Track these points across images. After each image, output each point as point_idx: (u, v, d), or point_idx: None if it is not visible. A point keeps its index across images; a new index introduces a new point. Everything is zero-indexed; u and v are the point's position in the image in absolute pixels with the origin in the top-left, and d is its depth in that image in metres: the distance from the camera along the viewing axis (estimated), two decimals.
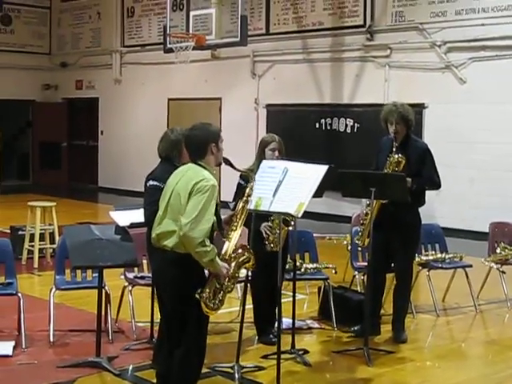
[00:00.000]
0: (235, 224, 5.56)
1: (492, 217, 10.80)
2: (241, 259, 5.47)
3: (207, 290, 5.20)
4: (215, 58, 18.43)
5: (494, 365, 7.18)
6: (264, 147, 7.27)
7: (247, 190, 5.74)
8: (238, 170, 5.81)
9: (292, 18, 17.29)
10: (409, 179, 7.23)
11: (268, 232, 7.10)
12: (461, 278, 8.96)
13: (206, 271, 5.32)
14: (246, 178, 6.08)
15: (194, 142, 5.43)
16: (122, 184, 20.74)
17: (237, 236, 5.52)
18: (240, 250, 5.48)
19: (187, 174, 5.31)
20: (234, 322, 7.97)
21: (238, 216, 5.61)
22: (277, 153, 7.20)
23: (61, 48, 23.37)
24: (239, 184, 6.82)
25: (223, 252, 5.37)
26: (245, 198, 5.70)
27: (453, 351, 7.52)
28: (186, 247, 5.09)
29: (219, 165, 5.54)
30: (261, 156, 7.18)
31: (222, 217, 5.63)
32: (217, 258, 5.17)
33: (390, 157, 7.39)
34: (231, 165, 5.65)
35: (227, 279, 5.29)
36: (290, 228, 7.15)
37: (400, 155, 7.37)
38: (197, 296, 5.13)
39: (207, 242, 5.07)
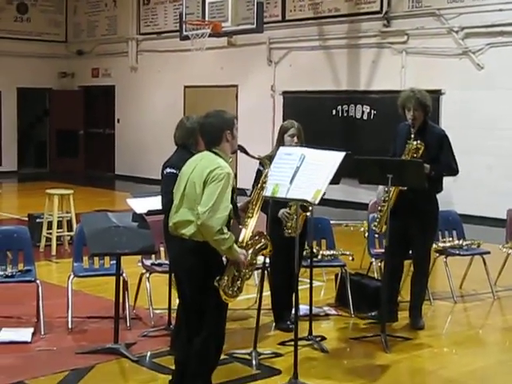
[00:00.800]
0: (251, 211, 5.56)
1: (510, 203, 10.76)
2: (258, 246, 5.47)
3: (225, 278, 5.21)
4: (231, 45, 18.40)
5: (511, 351, 7.17)
6: (283, 133, 7.27)
7: (262, 177, 5.74)
8: (253, 157, 5.80)
9: (308, 4, 17.22)
10: (427, 165, 7.20)
11: (286, 218, 7.10)
12: (478, 265, 8.94)
13: (224, 259, 5.33)
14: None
15: (208, 129, 5.42)
16: (138, 172, 20.79)
17: (253, 223, 5.52)
18: (257, 237, 5.48)
19: (202, 162, 5.31)
20: (251, 309, 7.99)
21: (254, 203, 5.61)
22: (295, 139, 7.19)
23: (77, 36, 23.40)
24: (258, 170, 6.81)
25: (240, 239, 5.37)
26: (260, 185, 5.70)
27: (470, 338, 7.51)
28: (204, 236, 5.10)
29: (234, 152, 5.53)
30: (280, 142, 7.18)
31: (238, 204, 5.64)
32: (235, 246, 5.18)
33: (409, 143, 7.37)
34: (246, 152, 5.65)
35: (245, 266, 5.30)
36: (308, 214, 7.14)
37: (419, 141, 7.34)
38: (215, 284, 5.14)
39: (225, 230, 5.07)
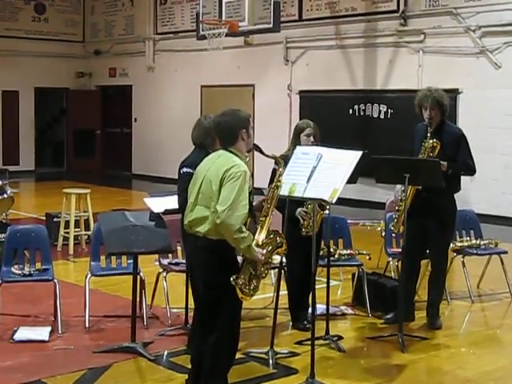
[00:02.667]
0: (266, 210, 5.55)
1: None
2: (273, 245, 5.47)
3: (242, 276, 5.21)
4: (248, 45, 18.41)
5: None
6: (299, 133, 7.27)
7: (277, 176, 5.74)
8: (268, 156, 5.80)
9: (325, 3, 17.20)
10: (444, 163, 7.18)
11: (303, 217, 7.10)
12: (496, 265, 8.91)
13: (239, 257, 5.34)
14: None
15: (224, 128, 5.42)
16: (155, 171, 20.83)
17: (269, 222, 5.52)
18: (272, 236, 5.48)
19: (218, 160, 5.31)
20: (268, 308, 7.99)
21: (269, 202, 5.60)
22: (312, 138, 7.19)
23: (94, 36, 23.49)
24: (274, 169, 6.80)
25: (256, 238, 5.37)
26: (275, 184, 5.70)
27: (488, 338, 7.49)
28: (224, 234, 5.10)
29: (250, 151, 5.53)
30: (296, 142, 7.17)
31: (253, 203, 5.64)
32: (253, 244, 5.18)
33: (425, 142, 7.35)
34: (261, 151, 5.65)
35: (261, 265, 5.30)
36: (326, 212, 7.13)
37: (435, 140, 7.32)
38: (232, 282, 5.15)
39: (244, 229, 5.08)
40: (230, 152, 5.33)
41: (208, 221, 5.18)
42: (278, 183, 5.70)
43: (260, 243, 5.37)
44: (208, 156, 5.56)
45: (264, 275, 5.39)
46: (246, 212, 5.10)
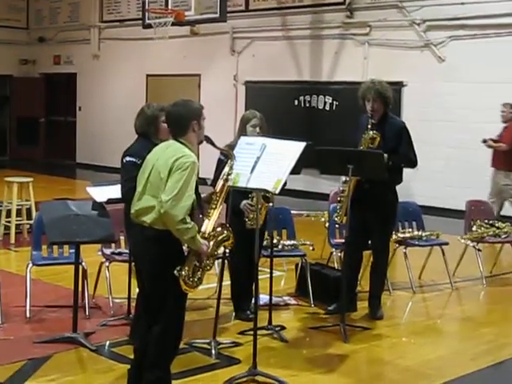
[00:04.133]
0: (215, 202, 5.53)
1: (469, 195, 10.88)
2: (220, 238, 5.45)
3: (186, 268, 5.18)
4: (194, 34, 18.31)
5: (469, 341, 7.24)
6: (245, 124, 7.26)
7: (227, 169, 5.72)
8: (219, 149, 5.79)
9: None
10: (385, 155, 7.24)
11: (248, 210, 7.10)
12: (437, 256, 9.03)
13: (185, 248, 5.31)
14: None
15: (175, 118, 5.37)
16: (100, 160, 20.67)
17: (217, 214, 5.50)
18: (219, 229, 5.46)
19: (167, 150, 5.27)
20: (211, 299, 7.97)
21: (219, 194, 5.58)
22: (258, 129, 7.19)
23: (38, 23, 23.17)
24: (219, 160, 6.79)
25: (202, 230, 5.35)
26: (225, 177, 5.68)
27: (428, 327, 7.58)
28: (167, 224, 5.07)
29: (201, 143, 5.49)
30: (242, 133, 7.15)
31: (202, 195, 5.62)
32: (198, 236, 5.15)
33: (365, 133, 7.40)
34: (212, 143, 5.62)
35: (206, 257, 5.29)
36: (271, 204, 7.14)
37: (375, 131, 7.37)
38: (176, 273, 5.12)
39: (188, 219, 5.04)
40: (181, 143, 5.29)
41: (154, 210, 5.14)
42: (229, 176, 5.68)
43: (207, 236, 5.35)
44: (152, 146, 5.52)
45: (209, 267, 5.36)
46: (190, 203, 5.06)
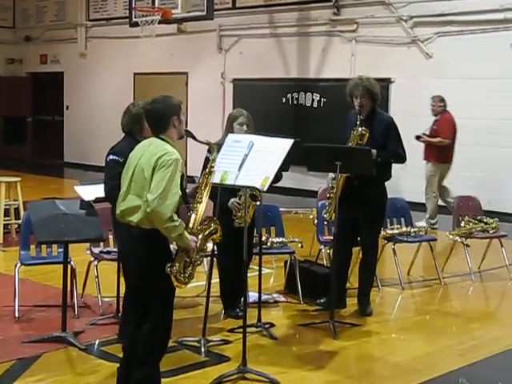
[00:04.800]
0: (200, 196, 5.54)
1: (457, 191, 10.91)
2: (208, 231, 5.47)
3: (177, 264, 5.18)
4: (181, 32, 18.30)
5: (458, 336, 7.26)
6: (232, 122, 7.26)
7: (210, 162, 5.73)
8: (200, 142, 5.78)
9: None
10: (374, 151, 7.25)
11: (236, 208, 7.09)
12: (426, 252, 9.06)
13: (172, 246, 5.31)
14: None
15: (155, 115, 5.36)
16: (88, 159, 20.60)
17: (203, 208, 5.50)
18: (206, 222, 5.47)
19: (149, 148, 5.26)
20: (200, 296, 7.98)
21: (203, 188, 5.60)
22: (245, 127, 7.19)
23: (25, 22, 23.09)
24: (207, 158, 6.78)
25: (190, 225, 5.36)
26: (208, 170, 5.69)
27: (417, 323, 7.60)
28: (155, 223, 5.06)
29: (181, 138, 5.49)
30: (229, 131, 7.15)
31: (187, 190, 5.61)
32: (185, 233, 5.15)
33: (354, 130, 7.41)
34: (193, 137, 5.63)
35: (195, 252, 5.29)
36: (258, 203, 7.14)
37: (363, 128, 7.38)
38: (167, 270, 5.12)
39: (175, 217, 5.04)
40: (162, 139, 5.28)
41: (140, 210, 5.12)
42: (212, 169, 5.70)
43: (194, 230, 5.35)
44: (139, 144, 5.51)
45: (199, 262, 5.38)
46: (176, 200, 5.06)
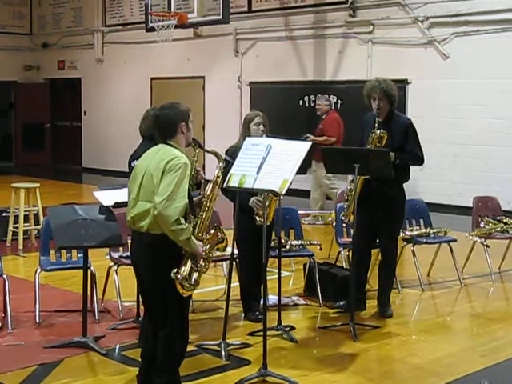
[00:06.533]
0: (206, 205, 5.51)
1: (475, 191, 10.88)
2: (214, 240, 5.45)
3: (182, 270, 5.18)
4: (197, 37, 18.34)
5: (479, 337, 7.22)
6: (249, 123, 7.26)
7: (216, 171, 5.71)
8: (207, 151, 5.80)
9: None
10: (392, 153, 7.23)
11: (258, 206, 7.09)
12: (445, 253, 9.02)
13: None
14: (232, 154, 6.07)
15: (163, 121, 5.37)
16: (106, 164, 20.69)
17: (208, 217, 5.48)
18: (213, 231, 5.46)
19: (158, 154, 5.26)
20: (220, 300, 7.99)
21: (209, 198, 5.55)
22: (262, 127, 7.19)
23: (42, 28, 23.20)
24: (226, 161, 6.77)
25: (195, 232, 5.33)
26: (215, 180, 5.65)
27: (438, 325, 7.57)
28: (161, 226, 5.05)
29: (189, 145, 5.49)
30: (246, 133, 7.14)
31: (194, 199, 5.60)
32: (193, 237, 5.14)
33: (373, 132, 7.39)
34: (200, 146, 5.65)
35: (202, 259, 5.28)
36: (281, 197, 7.09)
37: (382, 130, 7.37)
38: (172, 276, 5.11)
39: (182, 221, 5.03)
40: (170, 145, 5.29)
41: (150, 215, 5.12)
42: (218, 179, 5.66)
43: (201, 238, 5.34)
44: (147, 151, 5.51)
45: (205, 270, 5.35)
46: (184, 204, 5.05)
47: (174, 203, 5.00)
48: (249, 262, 7.23)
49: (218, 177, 5.66)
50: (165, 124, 5.35)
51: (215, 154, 5.84)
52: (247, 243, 6.94)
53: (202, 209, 5.46)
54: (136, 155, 6.43)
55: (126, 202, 6.29)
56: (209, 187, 5.59)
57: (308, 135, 12.42)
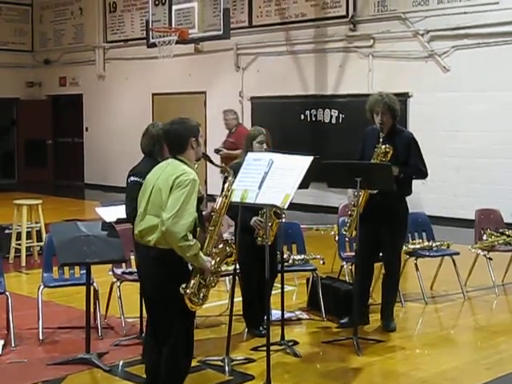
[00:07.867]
0: (215, 220, 5.52)
1: (478, 204, 10.86)
2: (223, 254, 5.45)
3: (191, 286, 5.18)
4: (198, 52, 18.39)
5: (483, 351, 7.21)
6: (251, 140, 7.27)
7: (226, 186, 5.72)
8: (217, 166, 5.83)
9: (274, 9, 17.26)
10: (395, 168, 7.24)
11: (259, 226, 7.08)
12: (448, 266, 9.00)
13: (190, 266, 5.31)
14: (235, 170, 6.08)
15: (174, 136, 5.40)
16: (108, 180, 20.69)
17: (217, 231, 5.49)
18: (221, 245, 5.46)
19: (167, 169, 5.28)
20: (223, 315, 7.98)
21: (218, 212, 5.57)
22: (265, 145, 7.20)
23: (43, 45, 23.28)
24: (226, 178, 6.78)
25: (205, 246, 5.34)
26: (224, 194, 5.68)
27: (442, 338, 7.55)
28: (169, 242, 5.06)
29: (198, 160, 5.52)
30: (248, 149, 7.15)
31: (203, 213, 5.61)
32: (200, 253, 5.15)
33: (377, 147, 7.39)
34: (210, 160, 5.66)
35: (211, 274, 5.28)
36: (282, 220, 7.12)
37: (387, 145, 7.37)
38: (181, 291, 5.11)
39: (190, 237, 5.04)
40: (180, 160, 5.31)
41: (158, 230, 5.14)
42: (228, 193, 5.69)
43: (209, 253, 5.34)
44: (157, 165, 5.53)
45: (213, 284, 5.36)
46: (191, 220, 5.06)
47: (182, 220, 5.01)
48: (252, 277, 7.21)
49: (228, 190, 5.68)
50: (175, 139, 5.37)
51: (224, 168, 5.85)
52: (250, 259, 6.94)
53: (212, 223, 5.47)
54: (135, 171, 6.45)
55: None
56: (218, 201, 5.61)
57: (220, 148, 12.39)
